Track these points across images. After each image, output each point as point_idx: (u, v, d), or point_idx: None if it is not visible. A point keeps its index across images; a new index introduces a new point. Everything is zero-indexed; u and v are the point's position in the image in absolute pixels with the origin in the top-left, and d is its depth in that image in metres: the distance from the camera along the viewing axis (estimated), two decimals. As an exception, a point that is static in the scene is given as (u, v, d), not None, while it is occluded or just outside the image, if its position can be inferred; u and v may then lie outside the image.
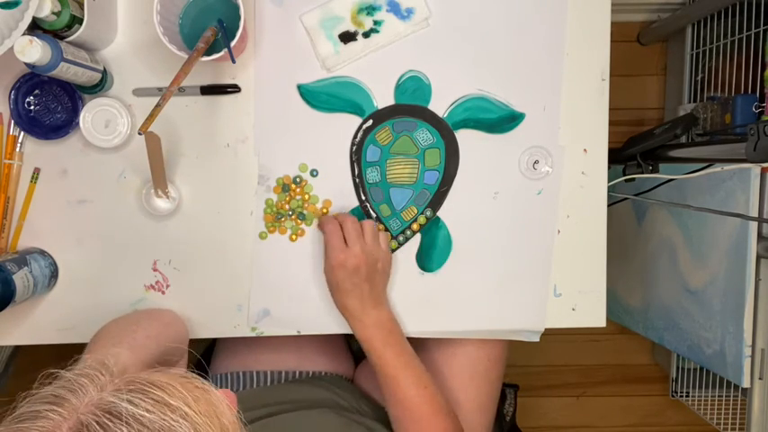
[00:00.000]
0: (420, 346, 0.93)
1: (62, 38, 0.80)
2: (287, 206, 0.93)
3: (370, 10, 0.90)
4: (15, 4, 0.74)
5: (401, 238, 0.94)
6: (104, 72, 0.88)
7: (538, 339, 0.97)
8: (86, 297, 0.93)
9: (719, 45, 1.39)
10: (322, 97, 0.91)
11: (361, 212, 0.93)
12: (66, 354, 0.63)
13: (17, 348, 1.25)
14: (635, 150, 1.09)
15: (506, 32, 0.91)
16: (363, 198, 0.93)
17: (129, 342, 0.76)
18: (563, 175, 0.93)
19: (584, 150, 0.93)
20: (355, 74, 0.91)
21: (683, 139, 1.30)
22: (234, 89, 0.90)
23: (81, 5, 0.80)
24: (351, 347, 1.19)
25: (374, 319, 0.88)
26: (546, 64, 0.92)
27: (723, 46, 1.38)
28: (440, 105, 0.92)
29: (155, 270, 0.93)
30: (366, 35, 0.90)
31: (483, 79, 0.91)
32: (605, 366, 1.80)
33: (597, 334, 1.75)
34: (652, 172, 1.08)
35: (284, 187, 0.92)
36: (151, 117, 0.76)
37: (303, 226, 0.93)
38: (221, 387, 1.05)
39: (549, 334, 0.95)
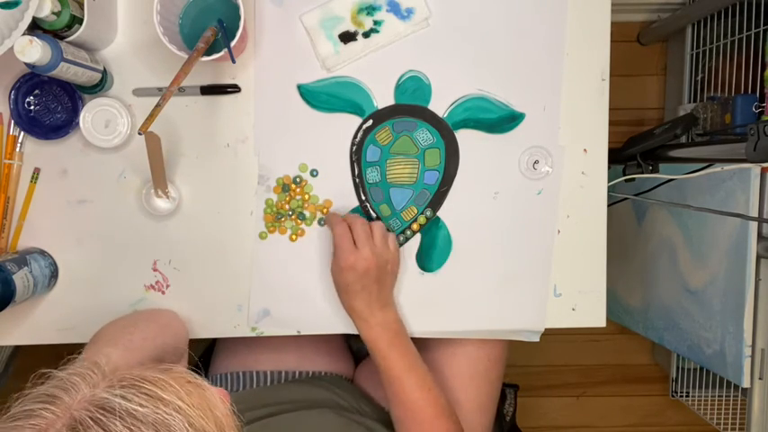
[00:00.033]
0: (420, 345, 0.93)
1: (62, 38, 0.80)
2: (287, 206, 0.93)
3: (370, 10, 0.90)
4: (15, 4, 0.74)
5: (401, 238, 0.94)
6: (104, 72, 0.88)
7: (538, 339, 0.97)
8: (86, 297, 0.93)
9: (719, 45, 1.39)
10: (322, 97, 0.91)
11: (361, 212, 0.93)
12: (67, 354, 0.63)
13: (17, 348, 1.25)
14: (635, 150, 1.09)
15: (506, 32, 0.91)
16: (363, 198, 0.93)
17: (124, 344, 0.76)
18: (563, 175, 0.93)
19: (585, 150, 0.93)
20: (355, 74, 0.91)
21: (683, 139, 1.30)
22: (234, 89, 0.90)
23: (81, 5, 0.80)
24: (351, 347, 1.19)
25: (380, 320, 0.88)
26: (546, 64, 0.92)
27: (723, 46, 1.38)
28: (440, 105, 0.92)
29: (155, 270, 0.93)
30: (366, 35, 0.90)
31: (483, 79, 0.91)
32: (605, 366, 1.80)
33: (597, 334, 1.75)
34: (652, 172, 1.08)
35: (284, 187, 0.92)
36: (151, 117, 0.76)
37: (303, 226, 0.93)
38: (220, 387, 1.05)
39: (549, 334, 0.95)
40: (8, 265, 0.81)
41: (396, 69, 0.91)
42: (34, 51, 0.72)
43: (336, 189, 0.93)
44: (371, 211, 0.93)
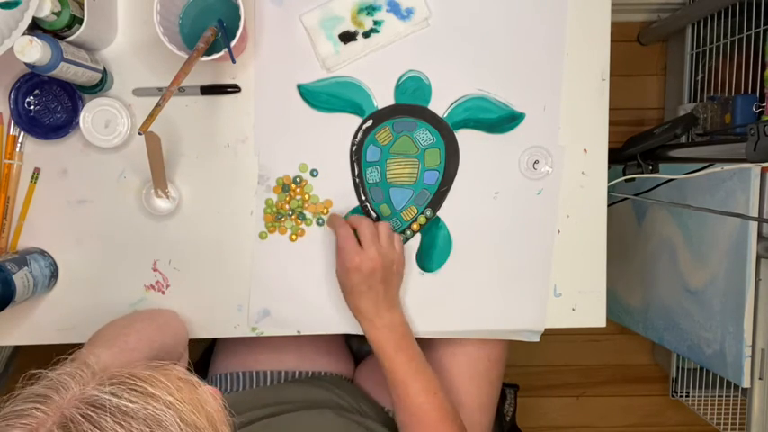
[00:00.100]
0: (420, 345, 0.92)
1: (62, 38, 0.80)
2: (287, 206, 0.93)
3: (370, 10, 0.90)
4: (15, 4, 0.74)
5: (401, 239, 0.94)
6: (104, 72, 0.88)
7: (538, 339, 0.97)
8: (86, 297, 0.93)
9: (719, 45, 1.39)
10: (322, 97, 0.91)
11: (361, 213, 0.93)
12: (66, 354, 0.63)
13: (17, 348, 1.25)
14: (635, 150, 1.09)
15: (506, 32, 0.91)
16: (363, 198, 0.93)
17: (120, 345, 0.76)
18: (563, 175, 0.93)
19: (585, 150, 0.93)
20: (355, 74, 0.91)
21: (683, 139, 1.29)
22: (234, 89, 0.90)
23: (81, 5, 0.80)
24: (351, 347, 1.19)
25: (387, 321, 0.87)
26: (546, 64, 0.92)
27: (723, 46, 1.38)
28: (440, 105, 0.92)
29: (155, 270, 0.93)
30: (366, 35, 0.90)
31: (483, 79, 0.91)
32: (605, 366, 1.80)
33: (597, 334, 1.75)
34: (652, 172, 1.08)
35: (284, 187, 0.92)
36: (151, 117, 0.76)
37: (303, 226, 0.93)
38: (221, 387, 1.05)
39: (549, 334, 0.95)
40: (8, 265, 0.81)
41: (396, 69, 0.91)
42: (34, 51, 0.72)
43: (336, 189, 0.93)
44: (371, 211, 0.93)
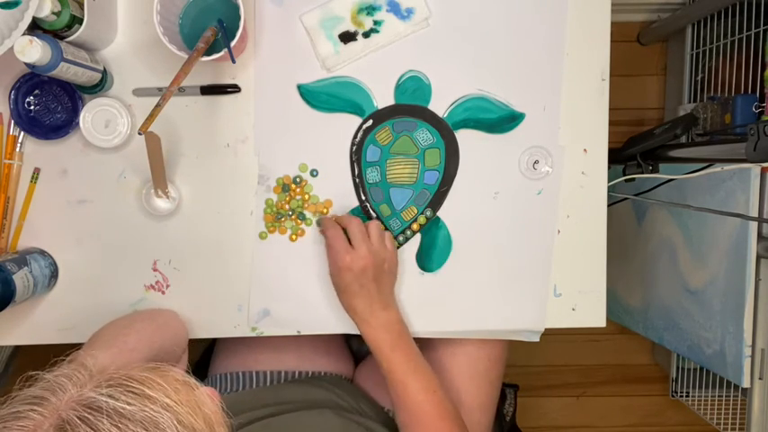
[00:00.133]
0: (420, 345, 0.92)
1: (62, 38, 0.80)
2: (287, 206, 0.93)
3: (370, 10, 0.90)
4: (15, 4, 0.74)
5: (401, 239, 0.94)
6: (104, 72, 0.88)
7: (538, 339, 0.97)
8: (86, 297, 0.93)
9: (719, 45, 1.39)
10: (322, 97, 0.91)
11: (361, 212, 0.93)
12: (63, 354, 0.63)
13: (17, 348, 1.25)
14: (635, 150, 1.09)
15: (506, 32, 0.91)
16: (363, 198, 0.93)
17: (119, 346, 0.76)
18: (563, 175, 0.93)
19: (584, 150, 0.93)
20: (355, 74, 0.91)
21: (683, 139, 1.29)
22: (234, 89, 0.90)
23: (81, 5, 0.80)
24: (351, 347, 1.19)
25: (383, 320, 0.87)
26: (546, 64, 0.92)
27: (723, 46, 1.38)
28: (440, 105, 0.92)
29: (155, 270, 0.93)
30: (366, 35, 0.90)
31: (483, 79, 0.91)
32: (605, 366, 1.80)
33: (597, 334, 1.75)
34: (652, 172, 1.08)
35: (284, 187, 0.92)
36: (151, 117, 0.76)
37: (303, 226, 0.93)
38: (221, 387, 1.05)
39: (549, 334, 0.95)
40: (8, 265, 0.81)
41: (396, 69, 0.91)
42: (34, 51, 0.72)
43: (336, 189, 0.93)
44: (371, 211, 0.93)
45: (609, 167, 0.94)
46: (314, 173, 0.93)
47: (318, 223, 0.92)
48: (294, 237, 0.93)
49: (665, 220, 1.40)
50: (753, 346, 1.18)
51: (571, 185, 0.93)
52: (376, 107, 0.92)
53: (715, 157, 0.96)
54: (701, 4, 1.43)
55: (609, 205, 0.95)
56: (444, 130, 0.92)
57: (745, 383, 1.18)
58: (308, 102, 0.91)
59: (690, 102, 1.53)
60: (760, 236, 1.15)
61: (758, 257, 1.15)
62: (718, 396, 1.43)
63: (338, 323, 0.94)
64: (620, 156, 1.13)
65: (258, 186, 0.92)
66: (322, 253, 0.93)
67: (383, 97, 0.91)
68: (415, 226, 0.94)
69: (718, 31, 1.40)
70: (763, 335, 1.17)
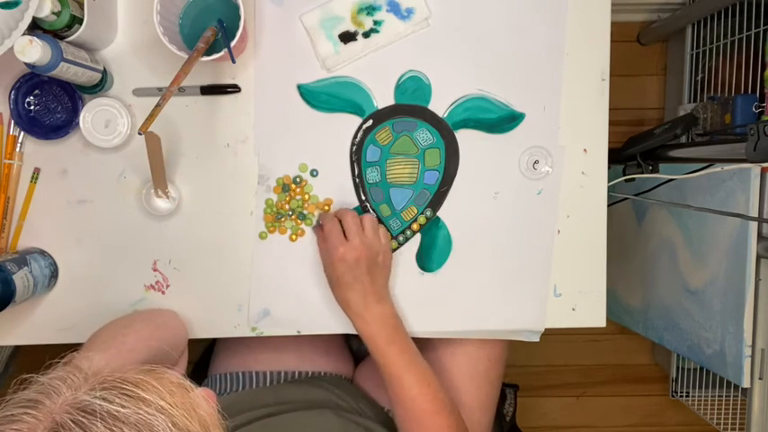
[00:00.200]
0: (420, 345, 0.92)
1: (62, 38, 0.80)
2: (287, 206, 0.93)
3: (370, 10, 0.90)
4: (15, 4, 0.74)
5: (401, 238, 0.94)
6: (104, 72, 0.88)
7: (538, 339, 0.97)
8: (86, 297, 0.93)
9: (719, 45, 1.39)
10: (322, 97, 0.91)
11: (361, 212, 0.93)
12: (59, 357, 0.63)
13: (17, 348, 1.25)
14: (635, 150, 1.09)
15: (506, 32, 0.91)
16: (363, 198, 0.93)
17: (118, 347, 0.76)
18: (563, 175, 0.93)
19: (584, 150, 0.93)
20: (355, 74, 0.91)
21: (683, 139, 1.30)
22: (234, 89, 0.90)
23: (81, 5, 0.80)
24: (351, 347, 1.19)
25: (377, 314, 0.87)
26: (546, 64, 0.92)
27: (723, 46, 1.38)
28: (440, 105, 0.92)
29: (155, 270, 0.93)
30: (366, 35, 0.90)
31: (483, 79, 0.91)
32: (605, 366, 1.80)
33: (597, 334, 1.75)
34: (652, 172, 1.08)
35: (284, 187, 0.92)
36: (151, 117, 0.76)
37: (303, 226, 0.93)
38: (221, 387, 1.05)
39: (549, 334, 0.95)
40: (8, 265, 0.81)
41: (396, 69, 0.91)
42: (34, 51, 0.72)
43: (336, 189, 0.93)
44: (371, 212, 0.93)
45: (609, 167, 0.94)
46: (314, 173, 0.93)
47: (317, 221, 0.92)
48: (294, 237, 0.93)
49: (665, 220, 1.40)
50: (753, 346, 1.18)
51: (571, 185, 0.93)
52: (376, 107, 0.92)
53: (715, 157, 0.96)
54: (700, 4, 1.43)
55: (609, 205, 0.95)
56: (444, 130, 0.92)
57: (745, 383, 1.18)
58: (308, 102, 0.91)
59: (690, 102, 1.53)
60: (760, 236, 1.15)
61: (758, 257, 1.15)
62: (718, 396, 1.43)
63: (338, 323, 0.94)
64: (620, 156, 1.13)
65: (258, 186, 0.92)
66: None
67: (383, 97, 0.91)
68: (415, 226, 0.94)
69: (718, 31, 1.40)
70: (763, 335, 1.17)
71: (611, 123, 0.93)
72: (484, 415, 1.01)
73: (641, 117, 1.71)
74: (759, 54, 1.26)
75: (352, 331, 0.93)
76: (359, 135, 0.92)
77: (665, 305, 1.42)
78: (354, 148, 0.92)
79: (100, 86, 0.88)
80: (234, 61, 0.80)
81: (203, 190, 0.92)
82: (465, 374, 0.99)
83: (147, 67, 0.90)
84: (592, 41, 0.91)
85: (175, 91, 0.78)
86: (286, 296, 0.94)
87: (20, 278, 0.82)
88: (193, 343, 0.95)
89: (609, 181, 0.95)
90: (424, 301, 0.95)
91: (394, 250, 0.94)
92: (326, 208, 0.93)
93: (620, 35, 1.64)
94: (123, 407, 0.50)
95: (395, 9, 0.90)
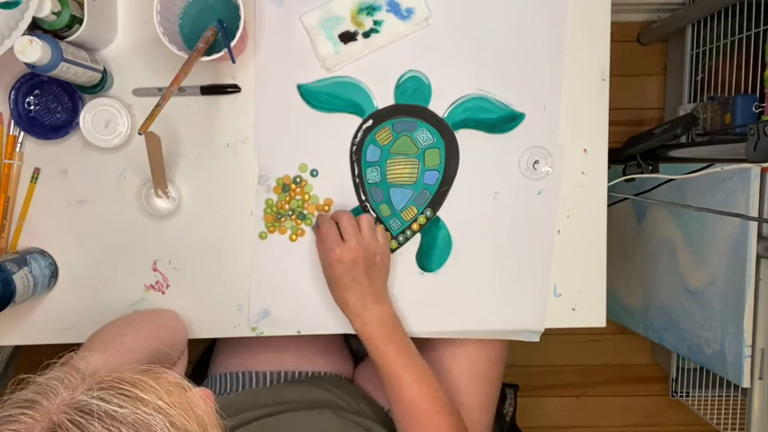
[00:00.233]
0: (420, 345, 0.92)
1: (62, 38, 0.80)
2: (287, 206, 0.93)
3: (370, 10, 0.90)
4: (15, 4, 0.74)
5: (401, 238, 0.94)
6: (104, 72, 0.88)
7: (538, 339, 0.97)
8: (86, 297, 0.93)
9: (719, 45, 1.39)
10: (322, 97, 0.91)
11: (362, 212, 0.93)
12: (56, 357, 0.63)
13: (17, 348, 1.25)
14: (635, 150, 1.09)
15: (506, 32, 0.91)
16: (363, 198, 0.93)
17: (117, 347, 0.76)
18: (563, 175, 0.93)
19: (584, 150, 0.93)
20: (355, 74, 0.91)
21: (683, 139, 1.29)
22: (234, 89, 0.90)
23: (81, 5, 0.80)
24: (351, 347, 1.19)
25: (375, 315, 0.87)
26: (546, 64, 0.92)
27: (723, 46, 1.38)
28: (440, 105, 0.92)
29: (155, 270, 0.93)
30: (366, 35, 0.90)
31: (483, 79, 0.91)
32: (605, 366, 1.80)
33: (597, 334, 1.75)
34: (652, 172, 1.08)
35: (284, 187, 0.92)
36: (151, 117, 0.76)
37: (303, 226, 0.93)
38: (221, 387, 1.05)
39: (549, 334, 0.95)
40: (8, 265, 0.81)
41: (396, 69, 0.91)
42: (34, 51, 0.72)
43: (336, 189, 0.93)
44: (371, 212, 0.93)
45: (609, 167, 0.94)
46: (314, 173, 0.93)
47: (315, 222, 0.92)
48: (294, 237, 0.93)
49: (665, 220, 1.40)
50: (753, 346, 1.18)
51: (571, 185, 0.93)
52: (376, 107, 0.92)
53: (715, 157, 0.96)
54: (700, 4, 1.43)
55: (609, 205, 0.95)
56: (444, 130, 0.92)
57: (745, 383, 1.18)
58: (308, 102, 0.91)
59: (690, 102, 1.53)
60: (760, 236, 1.15)
61: (758, 257, 1.15)
62: (718, 396, 1.43)
63: (338, 323, 0.94)
64: (620, 156, 1.13)
65: (258, 186, 0.92)
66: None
67: (383, 97, 0.91)
68: (415, 226, 0.94)
69: (718, 31, 1.40)
70: (763, 335, 1.17)
71: (611, 123, 0.93)
72: (484, 415, 1.01)
73: (641, 117, 1.71)
74: (759, 54, 1.25)
75: (351, 331, 0.93)
76: (359, 135, 0.92)
77: (665, 305, 1.42)
78: (354, 148, 0.92)
79: (100, 86, 0.88)
80: (234, 61, 0.80)
81: (203, 190, 0.92)
82: (465, 374, 0.99)
83: (147, 67, 0.90)
84: (592, 41, 0.91)
85: (175, 91, 0.78)
86: (286, 296, 0.94)
87: (20, 278, 0.82)
88: (193, 343, 0.95)
89: (609, 181, 0.95)
90: (424, 301, 0.95)
91: (394, 250, 0.94)
92: (326, 208, 0.93)
93: (620, 35, 1.64)
94: (121, 407, 0.50)
95: (395, 9, 0.90)
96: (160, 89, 0.90)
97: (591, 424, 1.82)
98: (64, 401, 0.50)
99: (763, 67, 1.24)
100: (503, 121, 0.92)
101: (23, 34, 0.73)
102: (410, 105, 0.92)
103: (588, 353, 1.79)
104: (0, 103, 0.89)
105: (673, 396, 1.60)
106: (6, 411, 0.50)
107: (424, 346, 0.96)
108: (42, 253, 0.90)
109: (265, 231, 0.93)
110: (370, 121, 0.92)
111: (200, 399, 0.55)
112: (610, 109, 0.92)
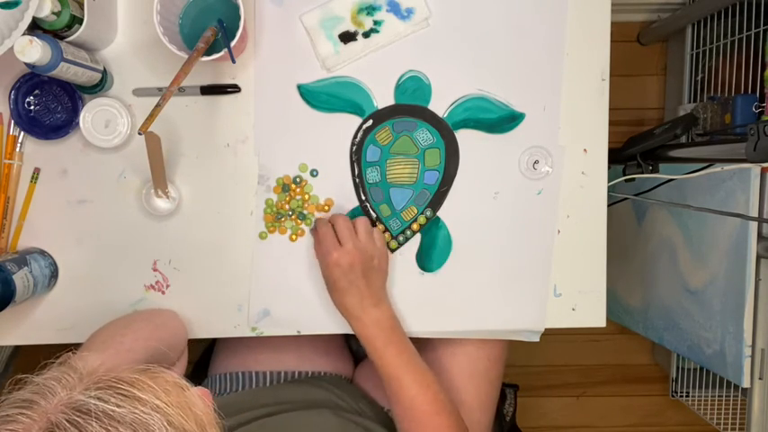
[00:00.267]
0: (420, 345, 0.93)
1: (62, 38, 0.80)
2: (287, 206, 0.93)
3: (370, 10, 0.90)
4: (15, 4, 0.74)
5: (401, 238, 0.94)
6: (104, 72, 0.88)
7: (538, 339, 0.97)
8: (86, 297, 0.93)
9: (719, 45, 1.39)
10: (322, 97, 0.91)
11: (361, 212, 0.93)
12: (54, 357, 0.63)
13: (17, 348, 1.25)
14: (635, 150, 1.09)
15: (506, 32, 0.91)
16: (363, 198, 0.93)
17: (116, 347, 0.76)
18: (563, 175, 0.93)
19: (585, 150, 0.93)
20: (355, 74, 0.91)
21: (683, 139, 1.29)
22: (234, 89, 0.90)
23: (81, 5, 0.80)
24: (351, 347, 1.19)
25: (374, 317, 0.88)
26: (546, 64, 0.92)
27: (723, 46, 1.38)
28: (440, 105, 0.92)
29: (155, 270, 0.93)
30: (366, 35, 0.90)
31: (483, 79, 0.91)
32: (605, 366, 1.80)
33: (597, 334, 1.75)
34: (652, 172, 1.08)
35: (284, 187, 0.92)
36: (151, 117, 0.76)
37: (303, 226, 0.93)
38: (221, 387, 1.05)
39: (549, 334, 0.95)
40: (8, 265, 0.81)
41: (396, 69, 0.91)
42: (34, 51, 0.72)
43: (336, 189, 0.93)
44: (371, 212, 0.93)
45: (609, 167, 0.94)
46: (314, 173, 0.93)
47: (314, 224, 0.92)
48: (294, 237, 0.93)
49: (665, 220, 1.40)
50: (753, 346, 1.18)
51: (571, 185, 0.93)
52: (376, 107, 0.92)
53: (715, 157, 0.96)
54: (700, 4, 1.43)
55: (609, 205, 0.95)
56: (444, 130, 0.92)
57: (745, 383, 1.18)
58: (308, 102, 0.91)
59: (690, 102, 1.53)
60: (760, 236, 1.15)
61: (758, 257, 1.15)
62: (718, 396, 1.43)
63: (338, 323, 0.94)
64: (620, 156, 1.13)
65: (258, 186, 0.92)
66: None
67: (383, 97, 0.91)
68: (415, 226, 0.94)
69: (718, 31, 1.40)
70: (763, 335, 1.17)
71: (611, 123, 0.93)
72: (484, 415, 1.01)
73: (641, 117, 1.71)
74: (759, 54, 1.25)
75: (351, 331, 0.93)
76: (359, 135, 0.92)
77: (665, 305, 1.42)
78: (354, 148, 0.92)
79: (100, 86, 0.88)
80: (234, 61, 0.80)
81: (203, 190, 0.92)
82: (465, 374, 0.99)
83: (147, 67, 0.90)
84: (592, 41, 0.91)
85: (175, 91, 0.78)
86: (286, 296, 0.94)
87: (20, 278, 0.82)
88: (193, 343, 0.95)
89: (609, 181, 0.95)
90: (424, 301, 0.95)
91: (394, 250, 0.94)
92: (327, 208, 0.93)
93: (620, 35, 1.63)
94: (119, 406, 0.50)
95: (395, 9, 0.90)
96: (160, 89, 0.90)
97: (591, 424, 1.82)
98: (62, 401, 0.50)
99: (763, 67, 1.24)
100: (503, 121, 0.92)
101: (23, 34, 0.73)
102: (410, 105, 0.92)
103: (588, 353, 1.79)
104: (0, 103, 0.89)
105: (673, 396, 1.60)
106: (4, 411, 0.50)
107: (423, 346, 0.96)
108: (42, 253, 0.90)
109: (265, 231, 0.93)
110: (370, 121, 0.92)
111: (199, 398, 0.55)
112: (610, 109, 0.92)
